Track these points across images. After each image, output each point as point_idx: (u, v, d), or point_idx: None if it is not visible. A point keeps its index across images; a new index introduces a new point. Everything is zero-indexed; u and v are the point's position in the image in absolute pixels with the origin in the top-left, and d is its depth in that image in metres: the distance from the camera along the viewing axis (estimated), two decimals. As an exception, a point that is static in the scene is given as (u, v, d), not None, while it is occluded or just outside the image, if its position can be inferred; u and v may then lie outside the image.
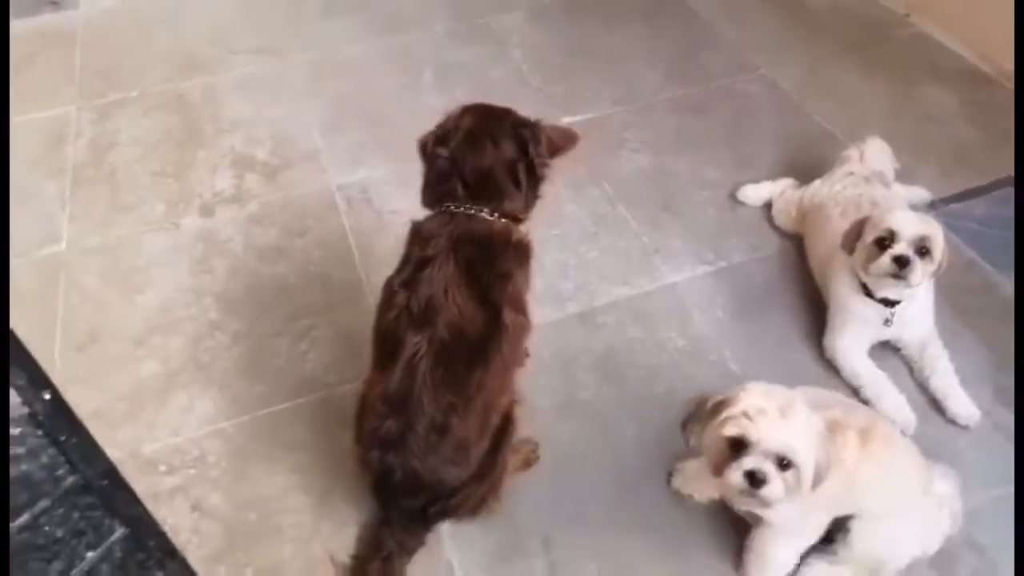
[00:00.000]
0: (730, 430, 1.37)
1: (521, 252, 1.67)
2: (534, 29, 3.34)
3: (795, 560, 1.66)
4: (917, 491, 1.60)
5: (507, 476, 1.70)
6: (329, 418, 2.02)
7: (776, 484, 1.36)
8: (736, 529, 1.74)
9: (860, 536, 1.59)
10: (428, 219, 1.68)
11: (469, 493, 1.63)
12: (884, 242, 1.87)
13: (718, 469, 1.42)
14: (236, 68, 3.22)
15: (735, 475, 1.37)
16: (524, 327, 1.65)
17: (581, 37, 3.29)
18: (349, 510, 1.83)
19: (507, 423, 1.66)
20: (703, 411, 1.45)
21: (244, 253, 2.47)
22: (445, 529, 1.78)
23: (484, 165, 1.65)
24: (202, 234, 2.52)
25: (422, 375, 1.52)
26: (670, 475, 1.85)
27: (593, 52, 3.20)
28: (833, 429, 1.48)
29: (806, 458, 1.35)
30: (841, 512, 1.61)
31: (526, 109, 2.86)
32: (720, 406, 1.41)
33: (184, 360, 2.17)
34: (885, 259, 1.86)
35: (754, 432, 1.34)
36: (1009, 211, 2.45)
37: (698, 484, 1.79)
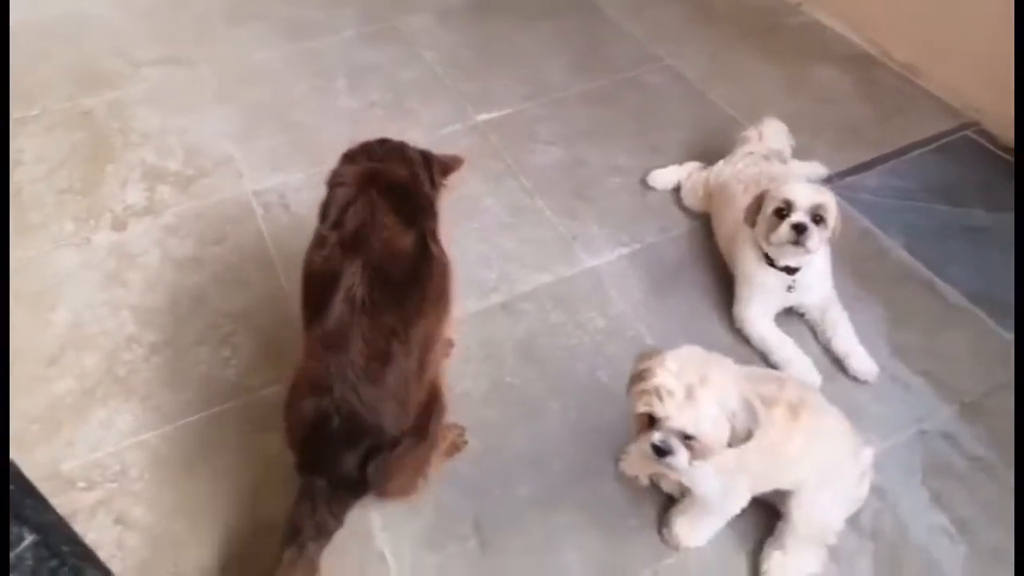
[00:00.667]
0: (640, 408, 1.43)
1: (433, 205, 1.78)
2: (444, 30, 3.39)
3: (715, 529, 1.73)
4: (847, 457, 1.67)
5: (437, 454, 1.72)
6: (254, 422, 2.01)
7: (680, 455, 1.43)
8: (663, 500, 1.81)
9: (799, 511, 1.65)
10: (342, 166, 1.75)
11: (405, 453, 1.57)
12: (782, 212, 1.99)
13: (634, 436, 1.49)
14: (142, 80, 3.15)
15: (644, 444, 1.45)
16: (448, 264, 1.70)
17: (490, 36, 3.35)
18: (277, 513, 1.82)
19: (435, 397, 1.68)
20: (632, 378, 1.50)
21: (160, 265, 2.42)
22: (375, 521, 1.80)
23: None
24: (115, 248, 2.47)
25: (361, 301, 1.51)
26: (618, 460, 1.90)
27: (503, 50, 3.27)
28: (764, 405, 1.54)
29: (711, 434, 1.41)
30: (773, 487, 1.67)
31: (442, 108, 2.97)
32: (640, 376, 1.47)
33: (101, 375, 2.12)
34: (784, 227, 1.98)
35: (661, 411, 1.40)
36: (898, 181, 2.62)
37: (638, 465, 1.85)
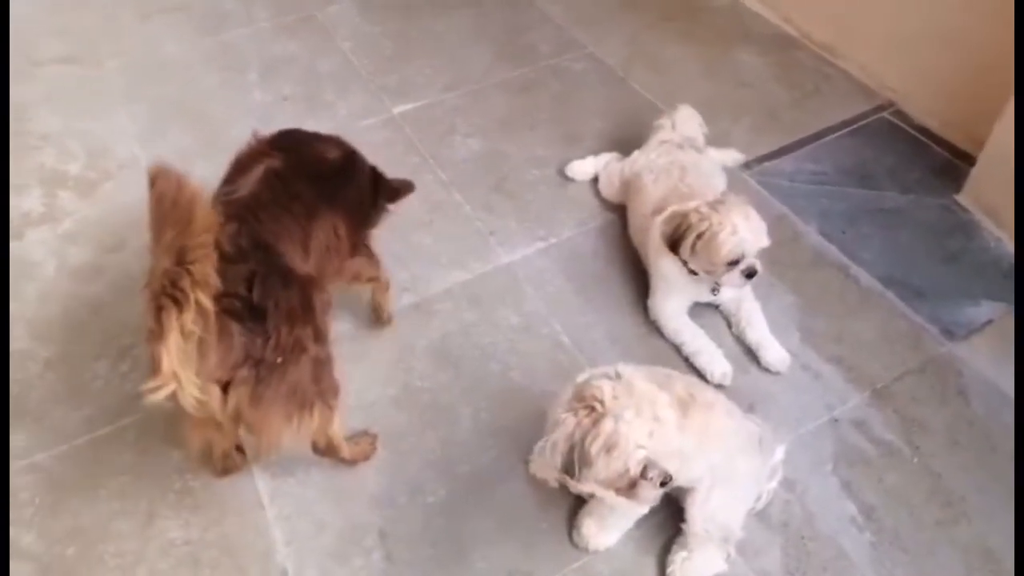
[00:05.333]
0: (634, 468, 1.37)
1: None
2: (362, 19, 3.29)
3: (623, 530, 1.72)
4: (742, 453, 1.66)
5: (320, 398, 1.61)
6: (154, 437, 1.93)
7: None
8: (572, 502, 1.79)
9: (696, 509, 1.64)
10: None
11: (283, 370, 1.49)
12: (735, 262, 1.96)
13: (630, 491, 1.42)
14: (41, 80, 3.00)
15: (649, 494, 1.41)
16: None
17: (410, 25, 3.26)
18: (176, 530, 1.76)
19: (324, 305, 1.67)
20: (585, 453, 1.39)
21: (56, 274, 2.31)
22: (278, 535, 1.75)
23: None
24: (9, 258, 2.35)
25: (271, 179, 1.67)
26: (527, 461, 1.86)
27: (422, 39, 3.19)
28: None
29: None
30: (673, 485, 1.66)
31: (359, 101, 2.88)
32: (608, 448, 1.37)
33: (-10, 395, 2.02)
34: (735, 275, 1.98)
35: (651, 454, 1.37)
36: (812, 165, 2.62)
37: (546, 467, 1.80)
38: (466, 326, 2.18)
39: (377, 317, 2.14)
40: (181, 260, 1.23)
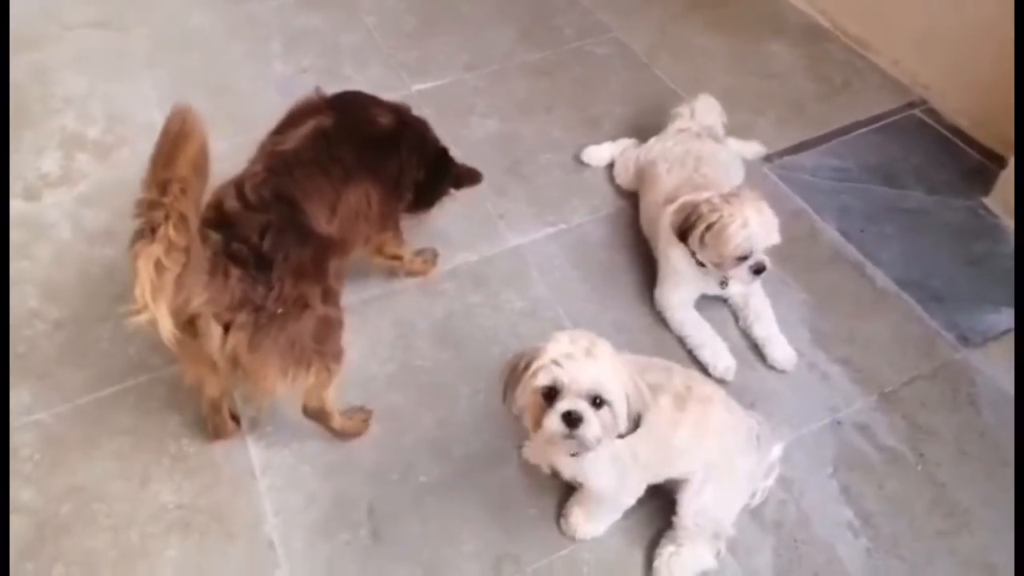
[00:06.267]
0: (541, 379, 1.35)
1: None
2: (388, -6, 3.26)
3: (611, 520, 1.70)
4: (739, 449, 1.63)
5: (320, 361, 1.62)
6: (155, 400, 1.95)
7: (593, 423, 1.34)
8: (562, 490, 1.77)
9: (687, 504, 1.62)
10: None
11: (309, 253, 1.57)
12: (745, 257, 1.93)
13: (537, 422, 1.39)
14: (69, 43, 3.03)
15: (553, 420, 1.34)
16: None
17: (435, 2, 3.23)
18: (169, 494, 1.78)
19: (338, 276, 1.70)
20: (516, 372, 1.44)
21: (72, 237, 2.34)
22: (267, 505, 1.76)
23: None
24: (24, 219, 2.38)
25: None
26: (520, 447, 1.84)
27: (446, 17, 3.15)
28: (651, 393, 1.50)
29: (618, 393, 1.35)
30: (665, 476, 1.64)
31: (378, 76, 2.86)
32: (529, 362, 1.42)
33: (-2, 351, 2.05)
34: (743, 270, 1.94)
35: (564, 376, 1.33)
36: (836, 161, 2.55)
37: (539, 453, 1.79)
38: (470, 307, 2.16)
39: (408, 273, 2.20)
40: (161, 193, 1.23)
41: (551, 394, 1.37)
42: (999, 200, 2.39)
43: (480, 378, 1.99)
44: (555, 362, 1.35)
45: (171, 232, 1.24)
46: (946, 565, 1.69)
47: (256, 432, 1.88)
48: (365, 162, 1.77)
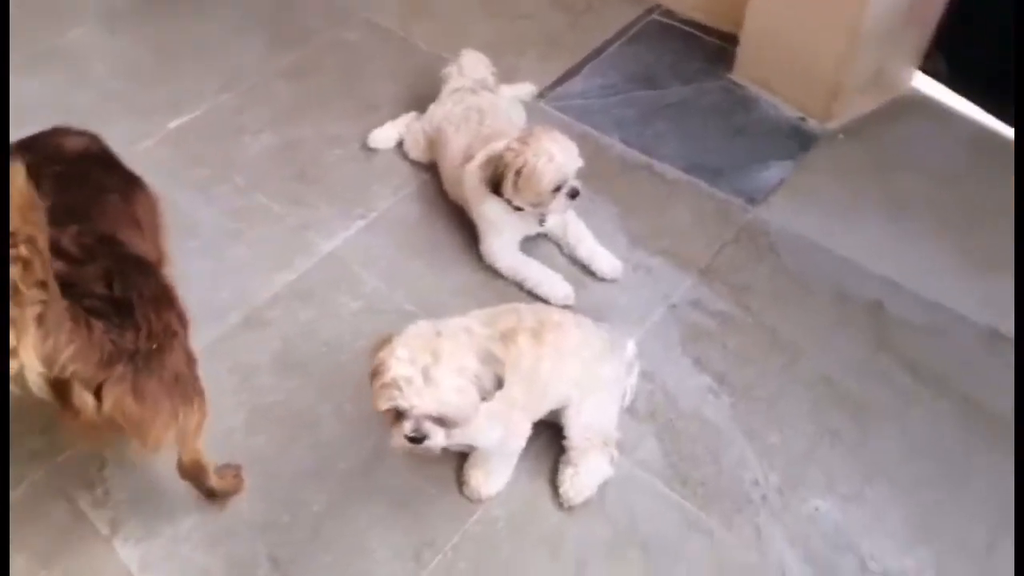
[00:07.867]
0: (384, 403, 1.40)
1: None
2: (113, 37, 3.01)
3: (509, 470, 1.74)
4: (599, 360, 1.72)
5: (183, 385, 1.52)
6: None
7: (437, 435, 1.42)
8: (456, 461, 1.79)
9: (572, 425, 1.70)
10: None
11: (154, 281, 1.51)
12: (559, 187, 2.00)
13: (388, 427, 1.45)
14: None
15: (397, 438, 1.43)
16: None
17: (169, 32, 3.02)
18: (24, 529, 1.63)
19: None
20: (370, 379, 1.44)
21: None
22: (162, 595, 1.63)
23: None
24: None
25: None
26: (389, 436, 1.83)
27: (186, 44, 2.97)
28: (507, 339, 1.56)
29: (458, 405, 1.40)
30: (545, 409, 1.70)
31: (126, 127, 2.63)
32: (377, 371, 1.42)
33: None
34: (560, 199, 2.02)
35: (404, 402, 1.38)
36: (600, 80, 2.72)
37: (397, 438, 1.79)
38: (304, 326, 2.09)
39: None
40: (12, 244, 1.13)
41: (398, 411, 1.41)
42: (741, 73, 2.67)
43: (338, 391, 1.94)
44: (396, 386, 1.37)
45: (18, 284, 1.14)
46: (795, 391, 1.91)
47: (120, 533, 1.71)
48: (122, 177, 1.77)
